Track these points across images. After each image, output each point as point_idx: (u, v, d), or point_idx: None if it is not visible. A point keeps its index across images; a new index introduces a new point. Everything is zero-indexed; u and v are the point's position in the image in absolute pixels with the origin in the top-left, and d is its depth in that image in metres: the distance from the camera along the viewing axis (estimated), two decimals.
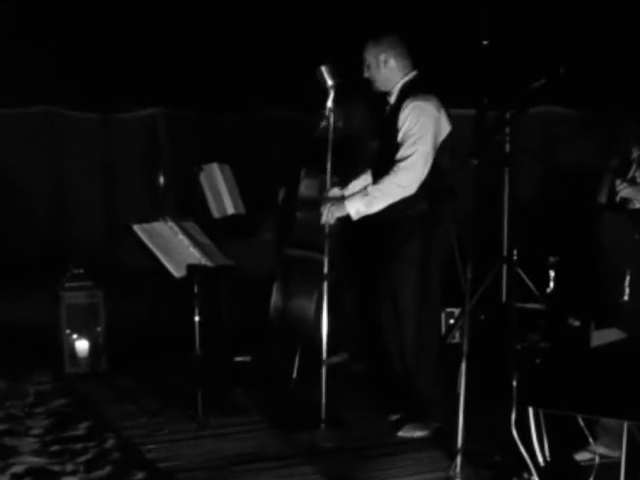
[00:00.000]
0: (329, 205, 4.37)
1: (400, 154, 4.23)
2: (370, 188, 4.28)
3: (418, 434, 4.32)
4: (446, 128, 4.31)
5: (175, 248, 4.60)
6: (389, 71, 4.37)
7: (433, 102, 4.27)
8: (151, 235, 4.57)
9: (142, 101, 9.12)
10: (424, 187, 4.25)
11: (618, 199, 3.93)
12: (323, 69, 4.30)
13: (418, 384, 4.37)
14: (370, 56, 4.40)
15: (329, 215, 4.36)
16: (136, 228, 4.56)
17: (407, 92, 4.32)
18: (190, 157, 7.87)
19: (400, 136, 4.25)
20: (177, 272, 4.50)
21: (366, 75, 4.45)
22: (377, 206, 4.27)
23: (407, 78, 4.37)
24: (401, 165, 4.21)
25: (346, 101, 4.77)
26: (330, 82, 4.30)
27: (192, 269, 4.52)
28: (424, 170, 4.22)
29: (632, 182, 3.91)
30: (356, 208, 4.29)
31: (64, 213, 9.54)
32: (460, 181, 4.26)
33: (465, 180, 3.96)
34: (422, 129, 4.21)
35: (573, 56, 4.00)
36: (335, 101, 4.36)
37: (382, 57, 4.36)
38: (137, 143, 9.38)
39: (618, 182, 3.88)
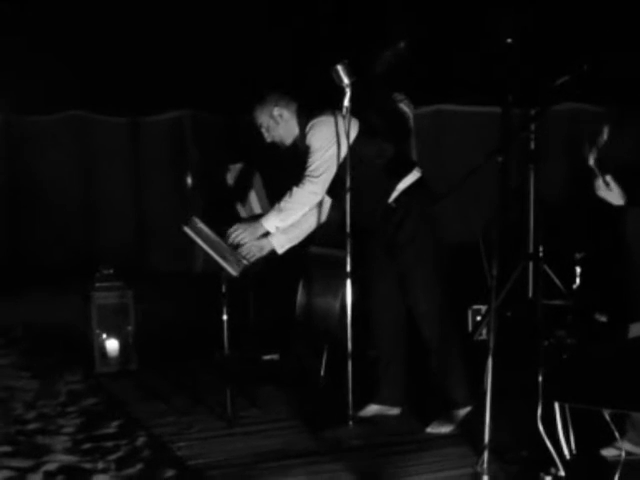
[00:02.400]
0: (243, 229, 4.43)
1: (306, 165, 4.38)
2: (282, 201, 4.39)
3: (445, 430, 4.34)
4: (353, 127, 4.36)
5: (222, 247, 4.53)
6: (285, 122, 4.49)
7: (326, 115, 4.38)
8: (201, 235, 4.48)
9: (169, 104, 9.21)
10: (389, 169, 4.37)
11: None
12: (339, 68, 4.28)
13: (444, 376, 4.40)
14: (263, 117, 4.50)
15: (243, 235, 4.41)
16: (187, 230, 4.42)
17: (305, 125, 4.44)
18: (217, 158, 7.93)
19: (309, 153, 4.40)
20: (234, 271, 4.42)
21: (268, 140, 4.55)
22: (292, 217, 4.39)
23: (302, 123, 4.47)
24: (305, 173, 4.36)
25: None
26: (346, 81, 4.30)
27: (245, 268, 4.47)
28: (328, 176, 4.35)
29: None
30: (274, 224, 4.40)
31: (94, 214, 9.66)
32: (486, 178, 4.27)
33: (491, 177, 3.97)
34: (321, 141, 4.34)
35: (597, 53, 3.97)
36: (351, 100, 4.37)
37: (276, 111, 4.48)
38: (165, 145, 9.48)
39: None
